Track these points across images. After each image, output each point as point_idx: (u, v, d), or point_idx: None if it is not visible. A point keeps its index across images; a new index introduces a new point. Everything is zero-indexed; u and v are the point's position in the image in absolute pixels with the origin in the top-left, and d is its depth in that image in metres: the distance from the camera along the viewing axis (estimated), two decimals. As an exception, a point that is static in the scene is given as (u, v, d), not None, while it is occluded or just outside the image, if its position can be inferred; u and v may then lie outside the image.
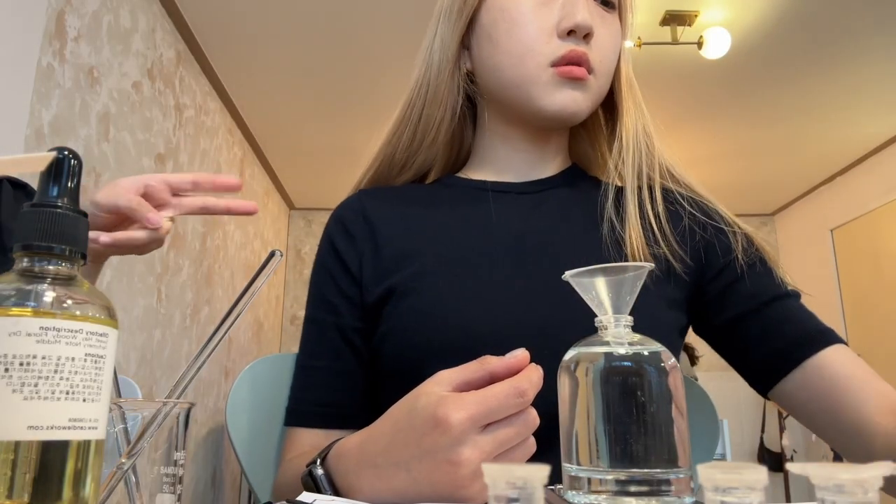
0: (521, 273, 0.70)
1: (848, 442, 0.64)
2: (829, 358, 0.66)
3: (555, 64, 0.70)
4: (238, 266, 3.36)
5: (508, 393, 0.45)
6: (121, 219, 0.70)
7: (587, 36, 0.70)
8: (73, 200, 0.34)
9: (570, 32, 0.70)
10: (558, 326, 0.65)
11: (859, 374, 0.65)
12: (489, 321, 0.66)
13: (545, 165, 0.80)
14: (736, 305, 0.71)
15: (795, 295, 0.72)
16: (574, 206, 0.76)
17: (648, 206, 0.72)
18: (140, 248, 0.72)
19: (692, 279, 0.73)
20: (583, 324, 0.64)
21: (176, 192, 0.73)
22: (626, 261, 0.69)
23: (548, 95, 0.71)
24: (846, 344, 0.68)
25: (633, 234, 0.70)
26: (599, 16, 0.73)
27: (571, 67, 0.69)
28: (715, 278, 0.72)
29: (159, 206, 0.72)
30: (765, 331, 0.69)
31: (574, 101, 0.71)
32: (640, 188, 0.74)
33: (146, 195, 0.70)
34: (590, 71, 0.71)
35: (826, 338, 0.67)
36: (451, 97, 0.77)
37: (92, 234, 0.67)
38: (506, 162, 0.80)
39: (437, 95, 0.77)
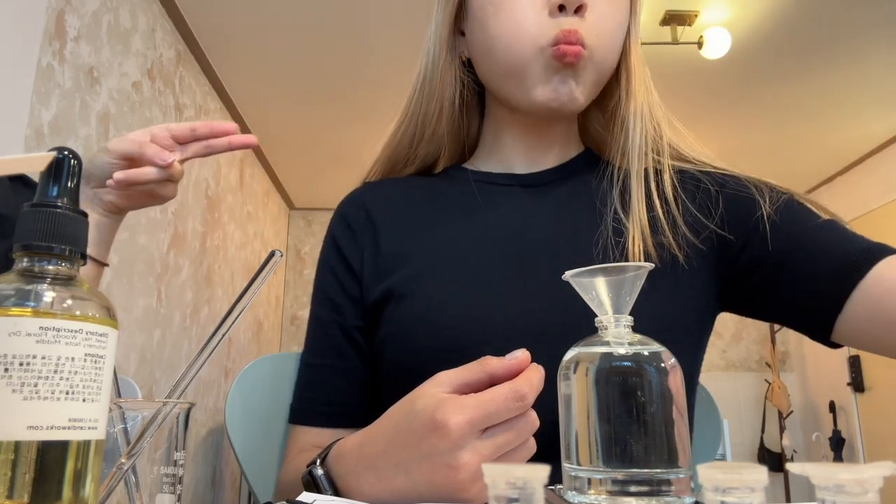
0: (519, 273, 0.68)
1: None
2: (880, 275, 0.59)
3: (547, 47, 0.66)
4: (238, 266, 3.36)
5: (508, 396, 0.44)
6: (132, 166, 0.72)
7: (579, 9, 0.66)
8: (73, 200, 0.34)
9: (562, 8, 0.66)
10: (557, 327, 0.64)
11: None
12: (487, 324, 0.65)
13: (552, 153, 0.77)
14: (770, 261, 0.66)
15: (830, 225, 0.66)
16: (579, 197, 0.73)
17: (655, 193, 0.68)
18: (155, 195, 0.74)
19: (714, 259, 0.69)
20: (583, 324, 0.63)
21: (178, 141, 0.75)
22: (627, 255, 0.66)
23: (540, 84, 0.68)
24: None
25: (634, 226, 0.67)
26: None
27: (564, 48, 0.65)
28: (745, 246, 0.68)
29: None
30: (803, 272, 0.63)
31: (568, 90, 0.67)
32: (646, 172, 0.70)
33: (151, 142, 0.72)
34: (584, 47, 0.66)
35: (871, 255, 0.60)
36: (447, 87, 0.75)
37: (108, 182, 0.70)
38: (511, 151, 0.78)
39: (433, 87, 0.76)
